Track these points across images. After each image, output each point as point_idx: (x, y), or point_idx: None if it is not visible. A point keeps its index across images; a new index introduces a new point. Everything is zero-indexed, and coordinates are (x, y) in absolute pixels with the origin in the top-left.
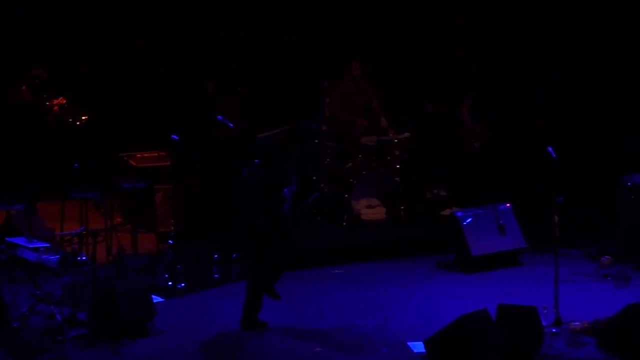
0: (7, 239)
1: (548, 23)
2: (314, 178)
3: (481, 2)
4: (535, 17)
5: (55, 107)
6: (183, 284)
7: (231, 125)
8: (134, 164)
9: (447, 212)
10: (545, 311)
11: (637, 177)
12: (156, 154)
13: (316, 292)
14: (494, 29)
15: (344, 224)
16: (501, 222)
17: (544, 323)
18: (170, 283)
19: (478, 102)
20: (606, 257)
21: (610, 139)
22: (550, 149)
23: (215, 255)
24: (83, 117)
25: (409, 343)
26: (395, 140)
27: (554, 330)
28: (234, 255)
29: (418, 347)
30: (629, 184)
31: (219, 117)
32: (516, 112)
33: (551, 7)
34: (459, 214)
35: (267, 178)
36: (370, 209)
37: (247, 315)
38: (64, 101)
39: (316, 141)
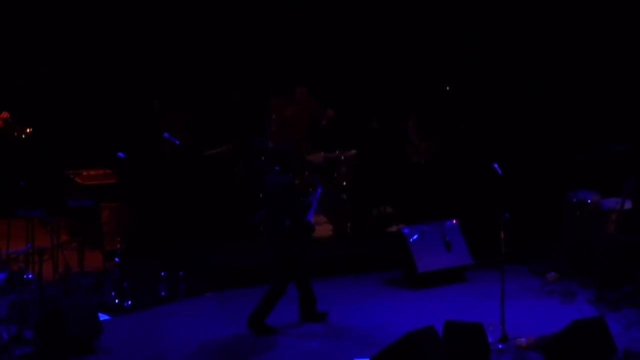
0: None
1: (491, 39)
2: (261, 195)
3: (425, 19)
4: (478, 34)
5: (0, 122)
6: (130, 302)
7: (177, 142)
8: (80, 182)
9: (393, 228)
10: (492, 327)
11: (583, 193)
12: (102, 172)
13: None
14: (440, 45)
15: None
16: (447, 238)
17: (490, 339)
18: (117, 301)
19: (424, 118)
20: (552, 273)
21: (556, 155)
22: (496, 165)
23: (162, 273)
24: (28, 130)
25: (355, 359)
26: (342, 157)
27: (500, 346)
28: (181, 273)
29: None
30: (574, 200)
31: (165, 134)
32: (462, 128)
33: (492, 23)
34: (406, 230)
35: (289, 184)
36: (316, 226)
37: (257, 318)
38: (8, 115)
39: (263, 158)
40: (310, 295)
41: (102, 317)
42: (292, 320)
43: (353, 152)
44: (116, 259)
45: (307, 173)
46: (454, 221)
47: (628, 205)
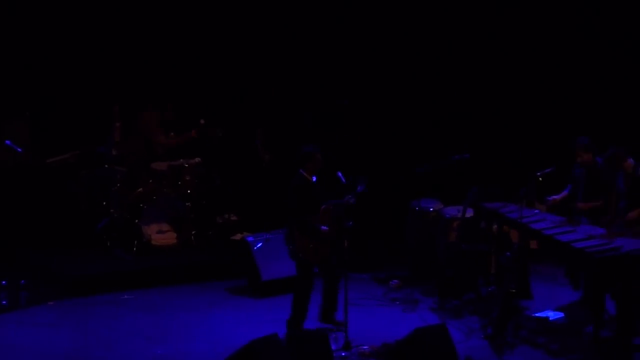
0: None
1: (333, 49)
2: (104, 203)
3: (269, 30)
4: (322, 44)
5: None
6: None
7: (19, 149)
8: None
9: (238, 236)
10: (335, 335)
11: (425, 201)
12: None
13: (105, 318)
14: (283, 54)
15: (135, 249)
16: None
17: (333, 347)
18: None
19: (270, 127)
20: (395, 281)
21: (400, 163)
22: (339, 173)
23: (3, 282)
24: None
25: None
26: (186, 165)
27: (343, 354)
28: (22, 281)
29: None
30: (416, 208)
31: (6, 141)
32: (306, 136)
33: (334, 35)
34: (250, 238)
35: (291, 186)
36: (160, 234)
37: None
38: None
39: (106, 166)
40: (331, 300)
41: None
42: (132, 331)
43: (197, 160)
44: None
45: (150, 181)
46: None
47: (469, 213)
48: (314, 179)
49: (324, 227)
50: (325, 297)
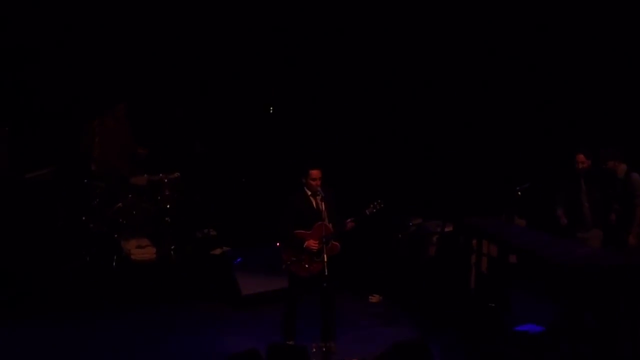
0: None
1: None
2: (83, 218)
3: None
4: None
5: None
6: None
7: None
8: None
9: (217, 251)
10: (315, 350)
11: (405, 216)
12: None
13: (82, 334)
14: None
15: (114, 264)
16: (271, 261)
17: None
18: None
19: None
20: (375, 295)
21: (385, 177)
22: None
23: None
24: None
25: None
26: (166, 180)
27: None
28: None
29: None
30: (397, 222)
31: None
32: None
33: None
34: (230, 253)
35: (294, 199)
36: (140, 249)
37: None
38: None
39: (85, 181)
40: (324, 321)
41: None
42: (112, 342)
43: (177, 174)
44: None
45: (130, 196)
46: (278, 244)
47: (449, 227)
48: (325, 195)
49: (311, 244)
50: (321, 317)
